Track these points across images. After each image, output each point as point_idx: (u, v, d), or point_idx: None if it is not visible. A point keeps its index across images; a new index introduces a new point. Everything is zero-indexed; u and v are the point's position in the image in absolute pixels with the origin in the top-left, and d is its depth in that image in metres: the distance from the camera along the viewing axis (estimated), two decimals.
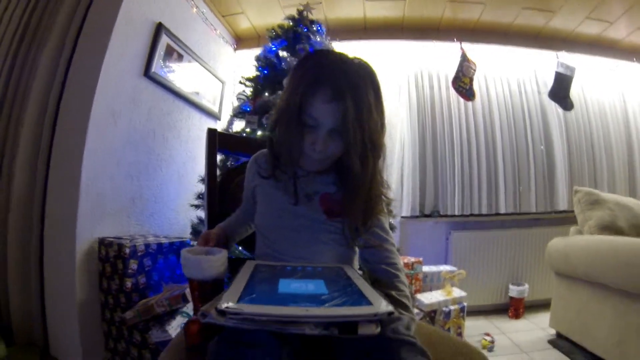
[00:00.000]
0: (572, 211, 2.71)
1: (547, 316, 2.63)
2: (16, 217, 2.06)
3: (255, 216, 1.01)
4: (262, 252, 0.98)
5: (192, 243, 2.31)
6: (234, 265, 0.90)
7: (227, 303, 0.55)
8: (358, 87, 0.81)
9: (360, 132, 0.81)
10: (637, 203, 2.73)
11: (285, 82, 0.92)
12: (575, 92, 3.69)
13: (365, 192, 0.87)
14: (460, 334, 2.53)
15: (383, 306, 0.58)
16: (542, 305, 3.02)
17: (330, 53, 0.93)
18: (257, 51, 2.66)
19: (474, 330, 2.70)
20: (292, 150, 0.88)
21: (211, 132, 1.30)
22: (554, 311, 2.57)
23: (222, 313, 0.54)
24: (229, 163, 2.20)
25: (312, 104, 0.82)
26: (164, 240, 2.18)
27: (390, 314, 0.57)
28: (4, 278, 2.06)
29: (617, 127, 3.89)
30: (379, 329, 0.57)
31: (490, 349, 2.38)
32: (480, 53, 3.54)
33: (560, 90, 3.52)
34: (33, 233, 2.07)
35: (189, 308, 1.85)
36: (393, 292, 0.87)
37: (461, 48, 3.38)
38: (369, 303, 0.60)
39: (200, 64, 2.94)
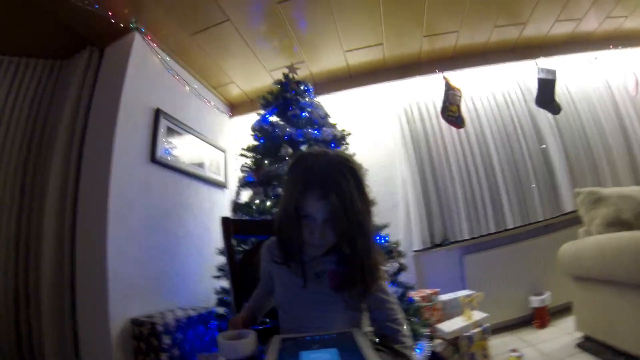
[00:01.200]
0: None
1: (572, 320, 2.60)
2: (48, 306, 2.21)
3: (274, 295, 1.19)
4: (285, 324, 1.15)
5: (217, 311, 2.44)
6: (263, 335, 1.07)
7: None
8: (340, 184, 0.98)
9: (347, 222, 0.98)
10: None
11: (282, 170, 1.10)
12: (561, 93, 3.76)
13: (359, 266, 1.04)
14: (486, 355, 2.53)
15: None
16: (566, 310, 2.93)
17: (315, 156, 1.08)
18: (252, 116, 2.82)
19: (501, 348, 2.68)
20: (295, 241, 1.06)
21: (225, 221, 1.44)
22: (577, 315, 2.54)
23: None
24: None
25: (306, 202, 1.00)
26: (192, 313, 2.32)
27: None
28: None
29: (608, 116, 3.89)
30: None
31: None
32: (464, 77, 3.64)
33: (545, 96, 3.58)
34: (66, 321, 2.20)
35: None
36: (397, 346, 1.04)
37: (444, 77, 3.47)
38: None
39: (200, 138, 3.10)
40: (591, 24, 3.73)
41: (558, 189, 3.63)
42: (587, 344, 2.42)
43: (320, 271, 1.09)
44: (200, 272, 2.88)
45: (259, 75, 3.32)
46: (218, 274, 2.59)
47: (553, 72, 3.59)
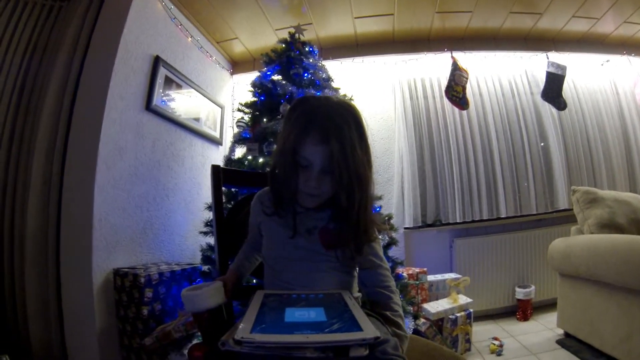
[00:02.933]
0: (573, 209, 2.74)
1: (555, 316, 2.64)
2: (32, 250, 2.15)
3: (262, 249, 1.11)
4: (269, 280, 1.07)
5: (203, 268, 2.39)
6: (247, 292, 1.03)
7: (243, 333, 0.66)
8: (342, 129, 0.90)
9: (346, 170, 0.90)
10: (636, 197, 2.75)
11: (279, 128, 1.03)
12: (567, 90, 3.72)
13: (354, 223, 0.96)
14: (468, 340, 2.56)
15: (371, 332, 0.68)
16: (550, 305, 3.02)
17: (317, 99, 1.02)
18: (253, 75, 2.74)
19: (483, 335, 2.73)
20: (290, 187, 0.98)
21: (215, 169, 1.37)
22: (560, 311, 2.59)
23: (239, 342, 0.64)
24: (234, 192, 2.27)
25: (304, 146, 0.92)
26: (176, 268, 2.26)
27: (376, 338, 0.67)
28: (24, 309, 2.14)
29: (612, 121, 3.89)
30: (367, 352, 0.67)
31: (499, 353, 2.40)
32: (472, 60, 3.59)
33: (553, 90, 3.55)
34: (49, 266, 2.14)
35: None
36: (388, 313, 0.97)
37: (452, 57, 3.42)
38: (360, 329, 0.70)
39: (199, 91, 3.01)
40: (607, 26, 3.67)
41: (554, 185, 3.63)
42: (567, 341, 2.45)
43: (312, 227, 1.01)
44: (188, 227, 2.83)
45: (264, 33, 3.22)
46: (205, 229, 2.54)
47: (563, 68, 3.55)
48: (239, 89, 3.58)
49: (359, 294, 1.09)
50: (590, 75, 3.99)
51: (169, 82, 2.67)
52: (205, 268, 2.39)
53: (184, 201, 2.83)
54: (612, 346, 2.04)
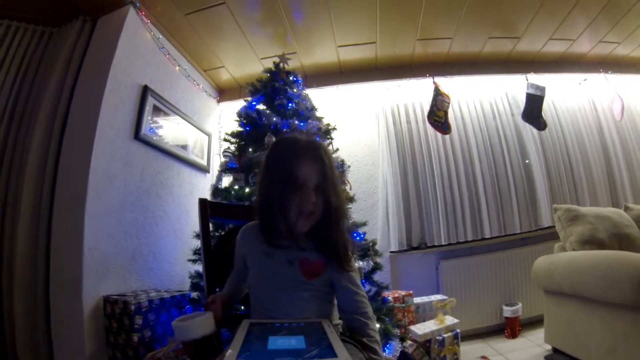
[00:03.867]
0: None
1: (542, 332, 2.66)
2: (20, 277, 2.15)
3: (247, 279, 1.18)
4: (255, 309, 1.14)
5: (192, 295, 2.41)
6: (235, 320, 1.09)
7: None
8: (322, 167, 1.05)
9: (333, 184, 1.06)
10: (617, 211, 2.82)
11: (260, 171, 1.12)
12: (547, 109, 3.82)
13: (332, 248, 1.08)
14: None
15: (344, 358, 0.75)
16: (538, 322, 3.03)
17: (295, 136, 1.15)
18: (240, 103, 2.78)
19: (471, 354, 2.74)
20: (288, 212, 1.06)
21: (202, 203, 1.43)
22: (547, 327, 2.60)
23: None
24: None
25: (297, 169, 1.04)
26: (165, 295, 2.28)
27: None
28: (12, 336, 2.14)
29: (591, 138, 3.98)
30: None
31: None
32: (453, 84, 3.67)
33: (533, 111, 3.64)
34: (38, 293, 2.16)
35: None
36: (364, 339, 1.05)
37: (434, 82, 3.50)
38: (334, 355, 0.77)
39: (186, 119, 3.06)
40: (584, 46, 3.81)
41: (537, 203, 3.68)
42: (555, 356, 2.48)
43: (293, 258, 1.09)
44: (176, 254, 2.85)
45: (250, 61, 3.30)
46: (194, 257, 2.57)
47: (542, 89, 3.65)
48: (226, 117, 3.64)
49: (340, 321, 1.16)
50: (569, 95, 4.09)
51: (157, 111, 2.71)
52: (194, 295, 2.41)
53: (173, 229, 2.86)
54: (598, 359, 2.08)
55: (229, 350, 0.77)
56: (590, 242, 2.49)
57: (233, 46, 3.10)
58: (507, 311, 3.11)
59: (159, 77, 2.79)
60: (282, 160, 1.06)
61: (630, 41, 3.85)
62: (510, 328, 3.08)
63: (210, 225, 2.12)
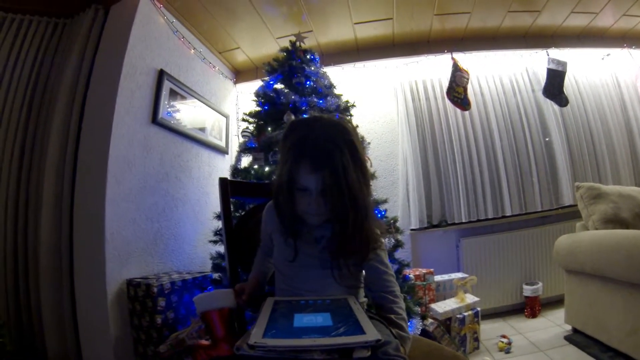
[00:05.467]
0: (577, 205, 2.76)
1: (563, 312, 2.66)
2: (46, 265, 2.22)
3: (273, 257, 1.17)
4: (280, 286, 1.13)
5: (214, 276, 2.43)
6: (260, 300, 1.05)
7: (256, 338, 0.72)
8: (332, 155, 0.95)
9: (339, 192, 0.96)
10: None
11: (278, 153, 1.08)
12: (569, 85, 3.72)
13: (352, 237, 1.01)
14: (476, 339, 2.59)
15: (373, 335, 0.74)
16: (558, 302, 3.03)
17: (307, 125, 1.05)
18: (257, 83, 2.78)
19: (491, 333, 2.75)
20: (293, 213, 1.04)
21: (223, 182, 1.42)
22: (567, 307, 2.60)
23: (252, 347, 0.70)
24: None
25: (299, 176, 0.98)
26: (187, 277, 2.31)
27: (378, 340, 0.73)
28: (40, 322, 2.21)
29: (614, 115, 3.88)
30: (369, 353, 0.73)
31: (507, 351, 2.42)
32: (472, 60, 3.61)
33: (554, 87, 3.55)
34: (63, 279, 2.22)
35: None
36: (392, 316, 1.02)
37: (452, 58, 3.45)
38: (363, 332, 0.76)
39: (203, 102, 3.06)
40: (607, 20, 3.68)
41: (558, 181, 3.63)
42: (575, 337, 2.46)
43: (320, 236, 1.07)
44: (197, 236, 2.88)
45: (265, 42, 3.27)
46: (214, 238, 2.59)
47: (564, 64, 3.56)
48: (243, 98, 3.63)
49: (365, 299, 1.14)
50: (592, 70, 3.98)
51: (173, 95, 2.72)
52: (215, 276, 2.44)
53: (193, 211, 2.88)
54: (619, 341, 2.06)
55: (255, 329, 0.77)
56: (614, 221, 2.45)
57: (248, 26, 3.07)
58: (527, 290, 3.10)
59: (174, 61, 2.78)
60: (287, 160, 1.00)
61: None
62: (530, 307, 3.08)
63: (232, 206, 2.15)
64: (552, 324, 2.83)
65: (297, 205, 1.02)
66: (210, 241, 2.62)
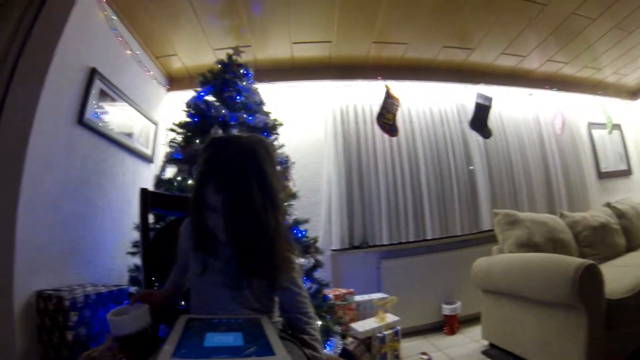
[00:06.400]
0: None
1: (480, 329, 2.79)
2: None
3: (188, 273, 1.15)
4: (194, 304, 1.12)
5: (131, 289, 2.32)
6: (175, 316, 1.02)
7: (164, 357, 0.70)
8: (239, 179, 0.97)
9: (242, 216, 0.97)
10: (553, 218, 3.02)
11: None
12: (494, 119, 3.98)
13: (254, 261, 1.02)
14: (397, 356, 2.64)
15: (282, 357, 0.75)
16: (475, 319, 3.12)
17: (223, 143, 1.06)
18: (190, 93, 2.70)
19: (412, 350, 2.82)
20: (201, 228, 1.05)
21: (143, 192, 1.40)
22: (484, 324, 2.75)
23: None
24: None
25: (207, 194, 0.99)
26: (103, 290, 2.15)
27: None
28: None
29: (533, 149, 4.24)
30: None
31: None
32: (405, 88, 3.74)
33: (480, 120, 3.78)
34: None
35: None
36: (306, 337, 1.04)
37: (386, 85, 3.54)
38: (273, 353, 0.76)
39: (133, 106, 2.94)
40: (533, 63, 4.02)
41: (479, 207, 3.84)
42: (492, 351, 2.61)
43: (229, 256, 1.06)
44: (116, 247, 2.70)
45: (203, 51, 3.22)
46: (133, 250, 2.47)
47: (490, 99, 3.80)
48: (175, 107, 3.44)
49: (280, 319, 1.14)
50: (516, 107, 4.30)
51: (103, 96, 2.57)
52: (133, 289, 2.32)
53: (114, 220, 2.73)
54: (533, 354, 2.23)
55: (165, 347, 0.76)
56: (527, 245, 2.65)
57: (187, 34, 3.02)
58: (446, 309, 3.23)
59: (108, 60, 2.63)
60: (197, 177, 1.03)
61: (576, 63, 4.13)
62: (449, 325, 3.21)
63: (152, 217, 2.07)
64: (470, 340, 2.96)
65: (206, 221, 1.03)
66: (129, 253, 2.49)
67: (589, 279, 1.89)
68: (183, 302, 1.33)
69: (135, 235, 2.47)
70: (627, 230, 3.35)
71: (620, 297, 1.99)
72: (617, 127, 5.07)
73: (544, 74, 4.28)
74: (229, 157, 0.99)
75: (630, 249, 3.27)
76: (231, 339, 0.83)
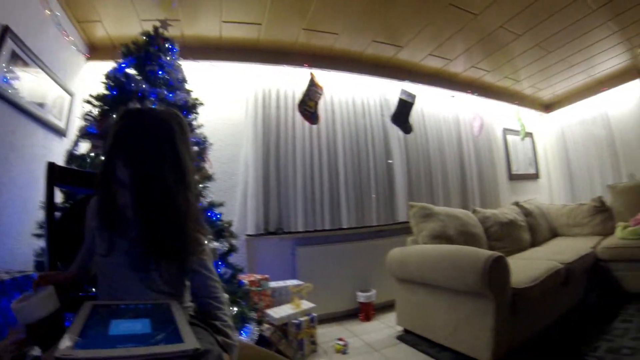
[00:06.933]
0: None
1: (394, 315, 2.93)
2: None
3: (95, 256, 1.09)
4: (101, 288, 1.08)
5: (37, 276, 2.15)
6: (82, 302, 0.97)
7: (64, 350, 0.66)
8: (149, 153, 0.95)
9: (151, 192, 0.94)
10: (466, 213, 3.25)
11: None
12: (416, 116, 4.17)
13: (161, 241, 0.98)
14: (314, 342, 2.69)
15: (191, 344, 0.73)
16: (390, 306, 3.25)
17: (137, 115, 1.04)
18: (111, 64, 2.55)
19: (328, 336, 2.90)
20: (109, 204, 1.01)
21: (50, 167, 1.30)
22: (398, 311, 2.88)
23: (59, 359, 0.64)
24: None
25: (116, 167, 0.95)
26: (5, 277, 1.94)
27: (196, 350, 0.72)
28: None
29: (451, 147, 4.51)
30: None
31: (344, 352, 2.58)
32: (330, 77, 3.79)
33: (402, 115, 3.94)
34: None
35: (37, 350, 1.76)
36: (217, 323, 1.01)
37: (311, 73, 3.56)
38: (181, 340, 0.74)
39: (48, 74, 2.71)
40: (458, 67, 4.26)
41: (395, 199, 3.99)
42: (406, 336, 2.75)
43: (138, 236, 1.01)
44: (23, 228, 2.41)
45: (129, 21, 3.04)
46: (39, 232, 2.23)
47: (413, 97, 3.97)
48: (93, 78, 3.20)
49: (191, 304, 1.11)
50: (438, 106, 4.52)
51: (15, 58, 2.32)
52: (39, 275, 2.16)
53: (20, 198, 2.45)
54: (444, 338, 2.40)
55: (65, 337, 0.70)
56: (440, 237, 2.81)
57: (114, 0, 2.83)
58: (361, 297, 3.33)
59: (23, 19, 2.37)
60: (108, 148, 0.98)
61: (498, 72, 4.44)
62: (365, 312, 3.31)
63: (62, 195, 1.95)
64: (385, 326, 3.09)
65: (115, 197, 0.99)
66: (35, 235, 2.23)
67: (497, 270, 2.07)
68: (94, 290, 1.29)
69: (42, 215, 2.29)
70: (532, 227, 3.73)
71: (524, 287, 2.21)
72: (529, 135, 5.59)
73: (467, 78, 4.55)
74: (141, 130, 0.97)
75: (534, 244, 3.63)
76: (139, 325, 0.80)
